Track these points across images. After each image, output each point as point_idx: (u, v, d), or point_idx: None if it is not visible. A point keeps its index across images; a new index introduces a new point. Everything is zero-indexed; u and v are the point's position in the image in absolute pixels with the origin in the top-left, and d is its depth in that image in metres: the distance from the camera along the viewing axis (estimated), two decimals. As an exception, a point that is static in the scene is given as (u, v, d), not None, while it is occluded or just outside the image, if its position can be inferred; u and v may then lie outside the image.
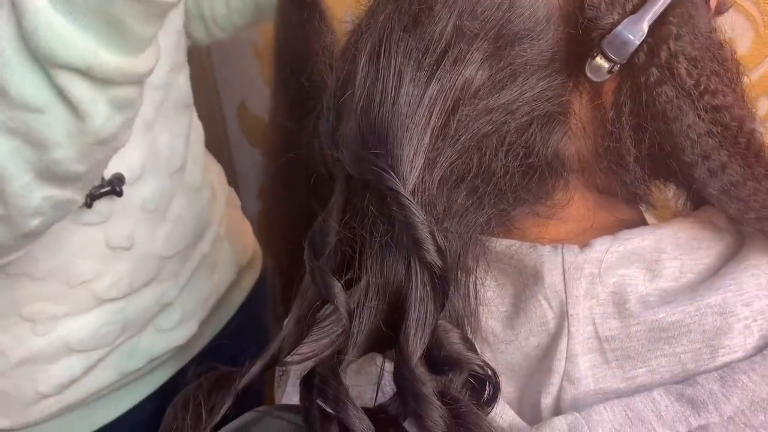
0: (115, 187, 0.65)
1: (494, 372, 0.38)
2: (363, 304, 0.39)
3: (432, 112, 0.37)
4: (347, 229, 0.40)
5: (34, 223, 0.52)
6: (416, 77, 0.38)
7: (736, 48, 0.89)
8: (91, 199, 0.64)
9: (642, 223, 0.46)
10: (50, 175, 0.50)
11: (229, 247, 0.88)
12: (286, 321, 0.44)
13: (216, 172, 0.91)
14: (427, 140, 0.37)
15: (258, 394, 0.78)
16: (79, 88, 0.45)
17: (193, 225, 0.79)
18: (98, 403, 0.78)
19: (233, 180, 1.09)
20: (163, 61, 0.67)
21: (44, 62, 0.44)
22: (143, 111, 0.61)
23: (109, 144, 0.52)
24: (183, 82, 0.78)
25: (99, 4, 0.43)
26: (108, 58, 0.45)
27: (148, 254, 0.75)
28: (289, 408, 0.41)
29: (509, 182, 0.40)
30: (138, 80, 0.49)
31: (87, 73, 0.45)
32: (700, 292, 0.41)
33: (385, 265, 0.38)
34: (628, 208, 0.45)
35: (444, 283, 0.37)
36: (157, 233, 0.75)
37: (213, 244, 0.85)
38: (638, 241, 0.42)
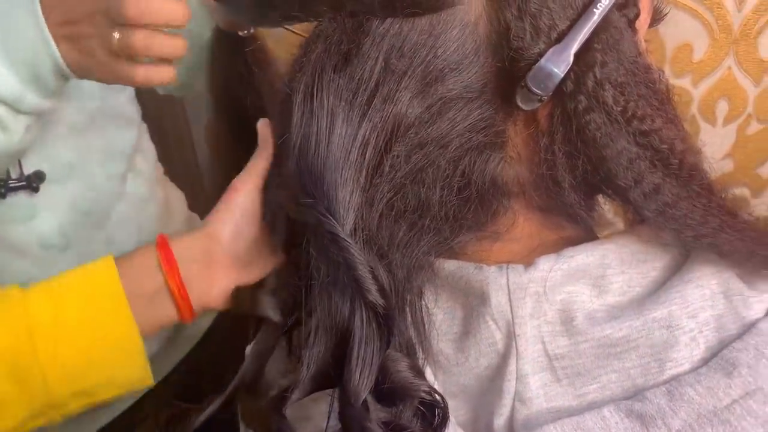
0: (31, 183, 0.69)
1: (442, 397, 0.38)
2: (313, 344, 0.39)
3: (365, 152, 0.37)
4: (295, 269, 0.40)
5: None
6: (348, 117, 0.38)
7: (692, 54, 0.91)
8: (6, 191, 0.68)
9: (590, 239, 0.46)
10: None
11: None
12: (246, 355, 0.43)
13: (177, 197, 0.91)
14: (362, 179, 0.37)
15: (230, 423, 0.77)
16: (4, 113, 0.57)
17: (138, 234, 0.79)
18: (57, 431, 0.77)
19: (205, 199, 1.08)
20: None
21: None
22: (72, 116, 0.72)
23: (17, 155, 0.64)
24: (124, 101, 0.79)
25: (29, 63, 0.56)
26: (30, 97, 0.58)
27: (87, 257, 0.74)
28: None
29: (448, 213, 0.40)
30: (42, 113, 0.61)
31: (12, 105, 0.57)
32: (647, 306, 0.41)
33: (331, 304, 0.38)
34: (574, 225, 0.45)
35: (388, 321, 0.37)
36: (96, 235, 0.76)
37: None
38: (582, 257, 0.42)
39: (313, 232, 0.39)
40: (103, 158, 0.76)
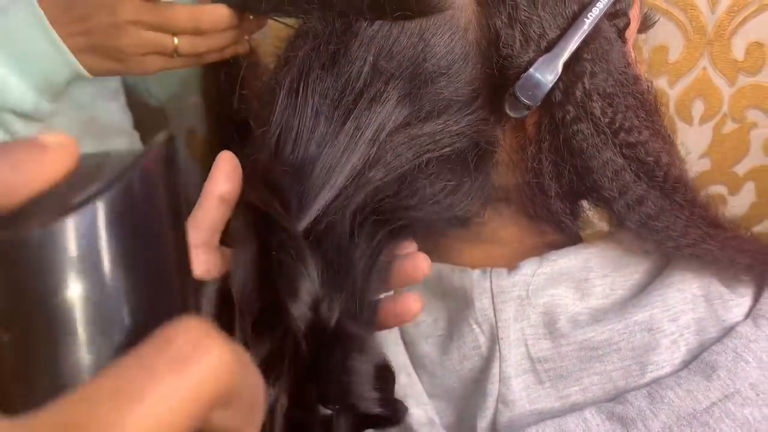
0: None
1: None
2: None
3: (347, 151, 0.37)
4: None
5: None
6: (333, 116, 0.37)
7: (668, 54, 0.91)
8: None
9: (574, 243, 0.46)
10: None
11: None
12: None
13: None
14: (340, 179, 0.36)
15: None
16: (18, 124, 0.60)
17: None
18: None
19: (186, 207, 1.08)
20: (83, 87, 0.72)
21: None
22: (66, 127, 0.72)
23: None
24: (116, 110, 0.80)
25: (46, 75, 0.58)
26: (43, 104, 0.60)
27: None
28: None
29: (432, 215, 0.39)
30: (49, 116, 0.62)
31: (26, 116, 0.59)
32: (629, 310, 0.41)
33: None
34: (558, 231, 0.45)
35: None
36: None
37: None
38: (565, 261, 0.42)
39: (266, 224, 0.37)
40: None
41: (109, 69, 0.58)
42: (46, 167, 0.18)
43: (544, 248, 0.44)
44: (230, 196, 0.37)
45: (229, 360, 0.17)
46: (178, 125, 1.19)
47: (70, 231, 0.17)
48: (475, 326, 0.42)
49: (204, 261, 0.36)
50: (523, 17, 0.37)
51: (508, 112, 0.38)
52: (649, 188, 0.39)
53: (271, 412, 0.33)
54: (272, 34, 0.57)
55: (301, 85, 0.38)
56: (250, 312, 0.34)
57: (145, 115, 0.87)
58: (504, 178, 0.41)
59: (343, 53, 0.37)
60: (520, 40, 0.37)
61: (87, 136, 0.75)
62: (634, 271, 0.44)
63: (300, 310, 0.34)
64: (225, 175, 0.37)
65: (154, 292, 0.19)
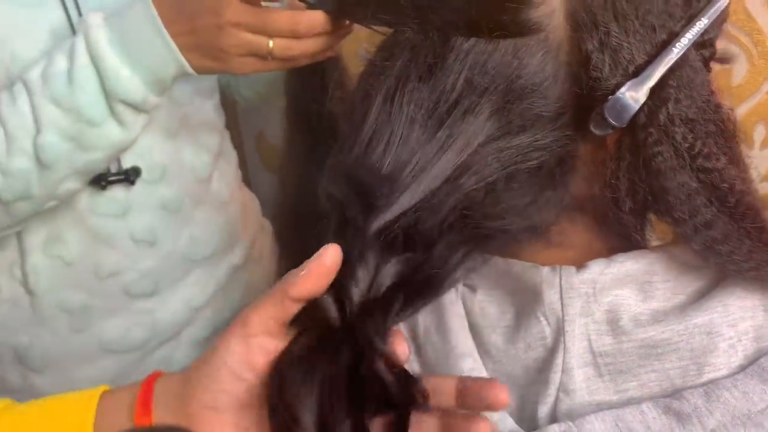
0: (129, 176, 0.75)
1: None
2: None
3: (439, 160, 0.39)
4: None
5: (50, 204, 0.69)
6: (426, 125, 0.39)
7: (731, 78, 0.93)
8: (106, 183, 0.74)
9: (639, 247, 0.48)
10: (83, 170, 0.67)
11: (263, 272, 0.93)
12: None
13: (252, 202, 0.97)
14: (429, 183, 0.39)
15: None
16: (128, 114, 0.65)
17: (219, 234, 0.84)
18: None
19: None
20: (185, 83, 0.77)
21: (110, 97, 0.64)
22: (165, 121, 0.77)
23: (128, 147, 0.71)
24: (210, 108, 0.85)
25: (155, 69, 0.63)
26: (151, 98, 0.65)
27: (172, 253, 0.81)
28: None
29: (515, 221, 0.42)
30: (156, 108, 0.68)
31: (136, 107, 0.65)
32: (689, 313, 0.43)
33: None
34: (625, 240, 0.47)
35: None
36: (181, 233, 0.81)
37: (245, 261, 0.90)
38: (631, 264, 0.45)
39: (341, 219, 0.39)
40: (191, 161, 0.81)
41: (209, 67, 0.62)
42: None
43: (610, 251, 0.46)
44: (310, 295, 0.38)
45: None
46: (249, 127, 1.25)
47: None
48: (542, 319, 0.45)
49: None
50: (614, 43, 0.39)
51: (593, 130, 0.40)
52: (719, 213, 0.41)
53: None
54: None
55: (398, 93, 0.40)
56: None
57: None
58: (581, 189, 0.44)
59: (440, 66, 0.40)
60: (609, 64, 0.39)
61: (182, 130, 0.79)
62: (696, 278, 0.46)
63: (338, 308, 0.37)
64: (319, 276, 0.38)
65: None
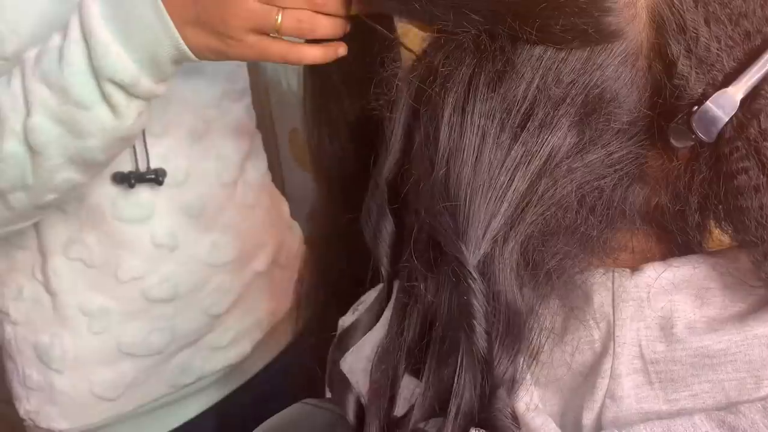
0: (158, 176, 0.75)
1: None
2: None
3: (514, 177, 0.37)
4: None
5: (50, 197, 0.67)
6: (499, 138, 0.37)
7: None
8: (135, 180, 0.74)
9: (695, 252, 0.46)
10: (79, 160, 0.64)
11: (289, 277, 0.92)
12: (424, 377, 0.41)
13: (280, 205, 0.95)
14: (506, 205, 0.37)
15: None
16: (119, 96, 0.62)
17: (242, 240, 0.83)
18: (150, 415, 0.83)
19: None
20: (213, 85, 0.77)
21: (99, 76, 0.60)
22: (191, 123, 0.76)
23: (129, 140, 0.68)
24: (240, 110, 0.83)
25: (148, 47, 0.60)
26: (144, 81, 0.62)
27: (193, 258, 0.80)
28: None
29: (588, 236, 0.40)
30: (153, 97, 0.65)
31: (127, 89, 0.61)
32: (749, 323, 0.41)
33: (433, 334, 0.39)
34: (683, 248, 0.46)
35: (488, 367, 0.37)
36: (203, 239, 0.80)
37: (270, 267, 0.88)
38: (688, 269, 0.43)
39: (438, 249, 0.38)
40: (216, 166, 0.81)
41: (209, 46, 0.58)
42: None
43: (665, 254, 0.44)
44: None
45: None
46: (282, 123, 1.24)
47: None
48: (591, 322, 0.43)
49: None
50: (702, 49, 0.37)
51: (673, 142, 0.38)
52: None
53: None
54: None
55: (468, 104, 0.38)
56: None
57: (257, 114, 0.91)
58: (648, 199, 0.42)
59: (510, 73, 0.37)
60: (696, 71, 0.37)
61: (208, 134, 0.78)
62: (757, 287, 0.44)
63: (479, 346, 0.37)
64: None
65: None
